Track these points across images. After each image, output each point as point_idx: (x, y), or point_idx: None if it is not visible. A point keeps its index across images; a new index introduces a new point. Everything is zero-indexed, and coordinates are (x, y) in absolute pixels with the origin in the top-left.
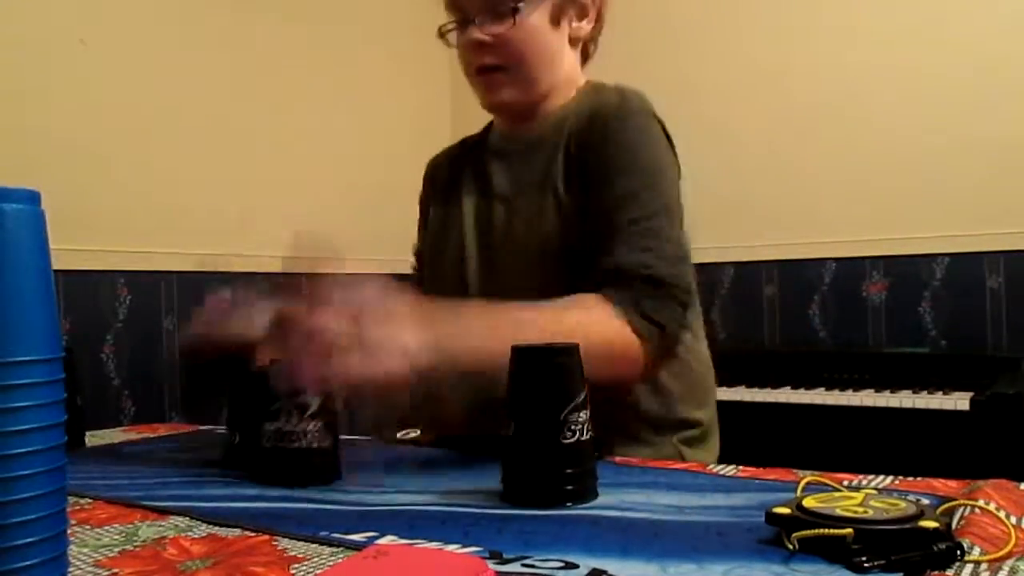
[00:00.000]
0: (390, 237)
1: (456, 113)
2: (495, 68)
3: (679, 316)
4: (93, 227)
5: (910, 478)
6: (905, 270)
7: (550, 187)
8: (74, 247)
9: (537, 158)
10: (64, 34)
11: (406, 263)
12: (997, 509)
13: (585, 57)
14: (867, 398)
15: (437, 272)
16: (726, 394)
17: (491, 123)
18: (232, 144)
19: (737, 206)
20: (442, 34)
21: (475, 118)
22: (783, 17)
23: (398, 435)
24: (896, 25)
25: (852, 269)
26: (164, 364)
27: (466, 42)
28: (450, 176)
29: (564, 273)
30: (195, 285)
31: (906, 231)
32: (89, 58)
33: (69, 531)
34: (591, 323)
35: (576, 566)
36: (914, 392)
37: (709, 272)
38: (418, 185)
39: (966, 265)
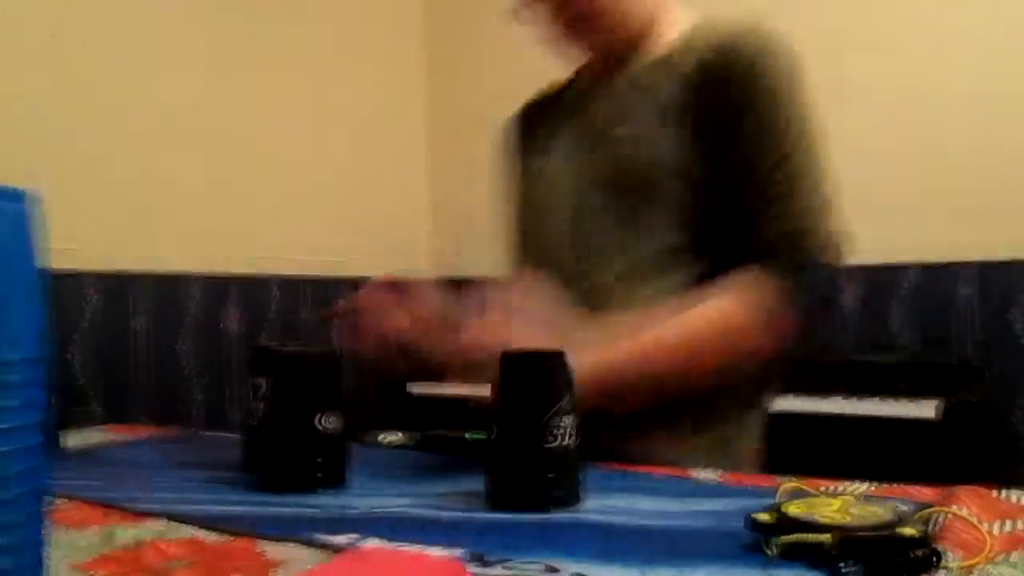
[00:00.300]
0: (374, 239)
1: (431, 115)
2: (580, 18)
3: (824, 275)
4: (60, 226)
5: (887, 484)
6: (876, 278)
7: (669, 121)
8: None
9: (648, 94)
10: (36, 29)
11: (397, 266)
12: (970, 515)
13: None
14: (834, 405)
15: (545, 220)
16: None
17: (577, 70)
18: (207, 146)
19: None
20: (514, 12)
21: (452, 122)
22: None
23: (380, 438)
24: (874, 35)
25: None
26: (132, 366)
27: (546, 1)
28: (544, 123)
29: (670, 206)
30: (166, 286)
31: (875, 240)
32: (61, 56)
33: (46, 534)
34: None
35: (557, 570)
36: (882, 399)
37: None
38: (397, 189)
39: (936, 274)
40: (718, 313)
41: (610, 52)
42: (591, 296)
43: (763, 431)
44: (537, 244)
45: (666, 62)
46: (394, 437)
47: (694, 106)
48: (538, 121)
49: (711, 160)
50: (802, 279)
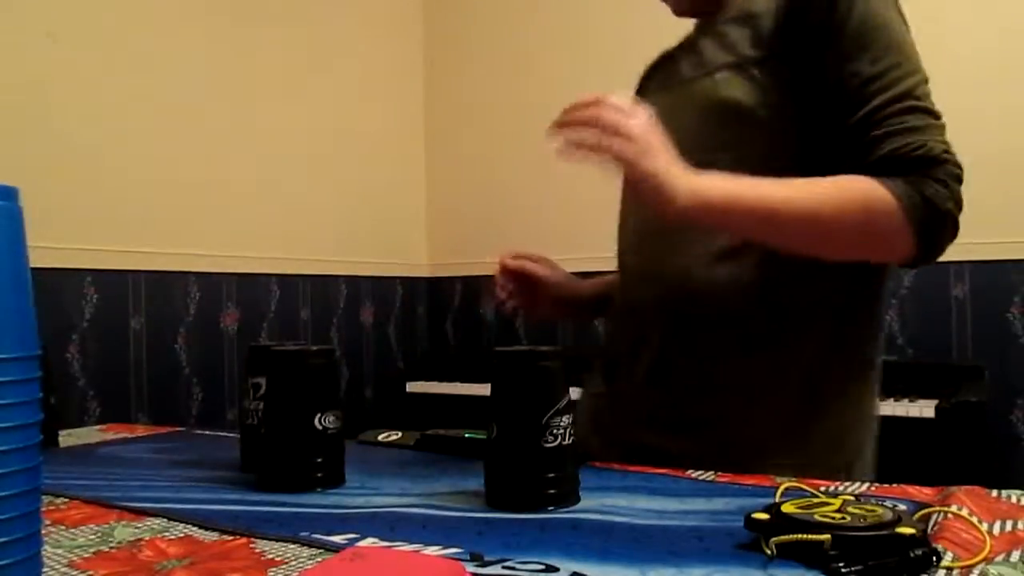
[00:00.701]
0: (371, 238)
1: (429, 113)
2: None
3: (957, 192)
4: (60, 225)
5: (886, 484)
6: None
7: (731, 62)
8: (40, 244)
9: (732, 36)
10: (34, 28)
11: (393, 265)
12: (970, 515)
13: None
14: None
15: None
16: None
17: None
18: (206, 145)
19: None
20: None
21: (448, 116)
22: None
23: (379, 437)
24: None
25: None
26: (131, 365)
27: None
28: (652, 77)
29: (761, 142)
30: (164, 285)
31: None
32: (61, 55)
33: (43, 531)
34: (854, 187)
35: (556, 569)
36: (880, 399)
37: None
38: (396, 188)
39: (935, 274)
40: (858, 182)
41: (701, 10)
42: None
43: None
44: None
45: (745, 18)
46: (393, 436)
47: (779, 48)
48: (650, 74)
49: (806, 94)
50: (920, 190)
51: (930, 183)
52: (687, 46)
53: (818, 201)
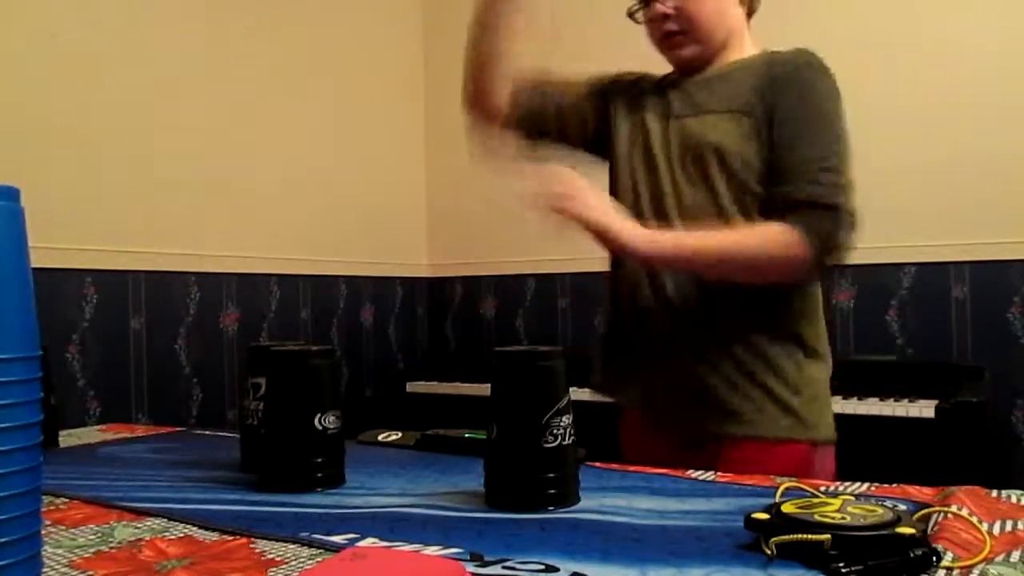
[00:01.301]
0: (372, 238)
1: (429, 113)
2: (677, 33)
3: (845, 233)
4: (60, 225)
5: (886, 484)
6: (874, 278)
7: (737, 111)
8: (40, 245)
9: (717, 89)
10: (37, 29)
11: (393, 265)
12: (970, 515)
13: (750, 11)
14: (834, 405)
15: (625, 177)
16: None
17: (667, 75)
18: (207, 145)
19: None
20: (631, 14)
21: (448, 116)
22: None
23: (379, 437)
24: (872, 43)
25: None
26: (131, 365)
27: (652, 15)
28: (632, 96)
29: (732, 176)
30: (164, 285)
31: (873, 241)
32: (62, 56)
33: (44, 531)
34: (766, 230)
35: (556, 569)
36: (881, 399)
37: None
38: (396, 188)
39: (935, 274)
40: (759, 226)
41: (695, 61)
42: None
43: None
44: (622, 187)
45: (732, 74)
46: (393, 436)
47: (757, 105)
48: (626, 91)
49: (766, 141)
50: (824, 230)
51: (821, 221)
52: (674, 85)
53: (739, 248)
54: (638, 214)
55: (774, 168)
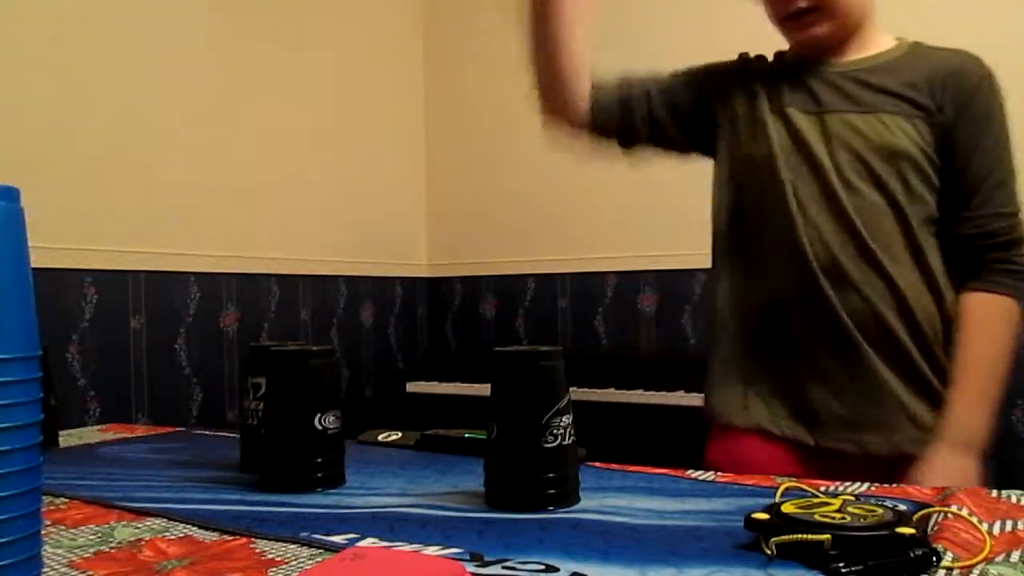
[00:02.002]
0: (371, 238)
1: (429, 113)
2: (809, 10)
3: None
4: (60, 225)
5: (886, 484)
6: None
7: (909, 113)
8: (40, 245)
9: (876, 84)
10: (34, 28)
11: (393, 265)
12: (970, 515)
13: None
14: None
15: (770, 174)
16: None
17: (782, 53)
18: (206, 145)
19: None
20: None
21: (448, 116)
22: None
23: (379, 437)
24: None
25: None
26: (131, 365)
27: None
28: (746, 86)
29: (906, 178)
30: (164, 285)
31: None
32: (62, 57)
33: (44, 531)
34: (989, 322)
35: (556, 569)
36: None
37: (675, 278)
38: (396, 188)
39: None
40: (978, 318)
41: (829, 42)
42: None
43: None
44: (753, 187)
45: (889, 67)
46: (393, 436)
47: (932, 109)
48: (733, 82)
49: (946, 155)
50: (1015, 272)
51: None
52: (808, 72)
53: (995, 357)
54: (801, 213)
55: (956, 187)
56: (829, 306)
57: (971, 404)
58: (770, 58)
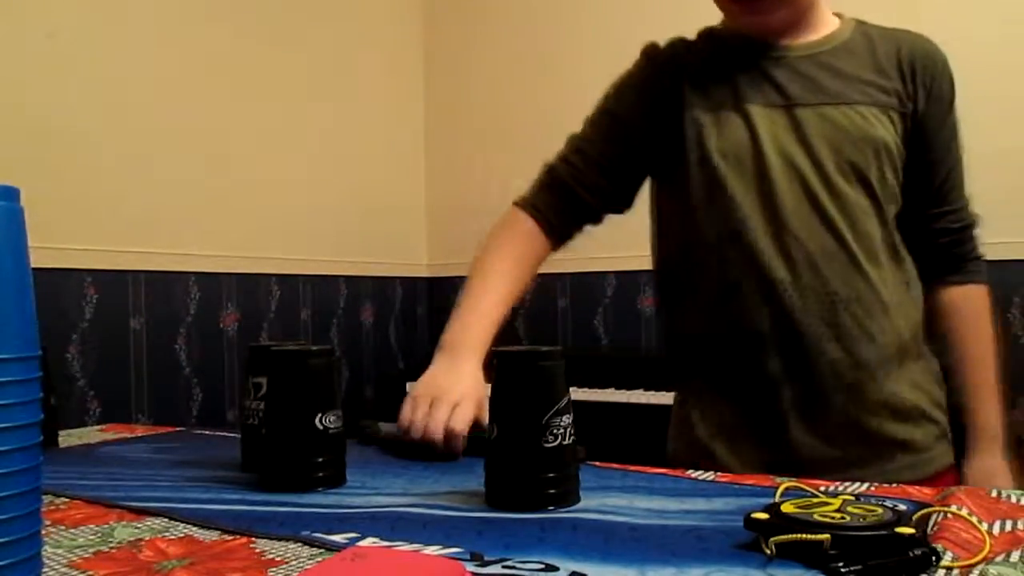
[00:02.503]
0: (371, 238)
1: (429, 113)
2: None
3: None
4: (60, 225)
5: (886, 484)
6: None
7: (883, 103)
8: (40, 245)
9: (841, 71)
10: (33, 28)
11: (393, 265)
12: (970, 515)
13: None
14: None
15: (744, 181)
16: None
17: (713, 32)
18: (206, 144)
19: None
20: None
21: (448, 116)
22: None
23: (381, 428)
24: None
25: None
26: (131, 365)
27: None
28: (709, 77)
29: (884, 175)
30: (164, 285)
31: None
32: (60, 55)
33: (43, 531)
34: (978, 323)
35: (556, 569)
36: None
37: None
38: (394, 185)
39: None
40: (969, 319)
41: (781, 27)
42: (801, 259)
43: None
44: (717, 186)
45: (848, 49)
46: (394, 429)
47: (902, 94)
48: (704, 74)
49: (916, 146)
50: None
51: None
52: (766, 60)
53: (992, 359)
54: (773, 225)
55: (928, 180)
56: (810, 336)
57: (990, 403)
58: (692, 39)
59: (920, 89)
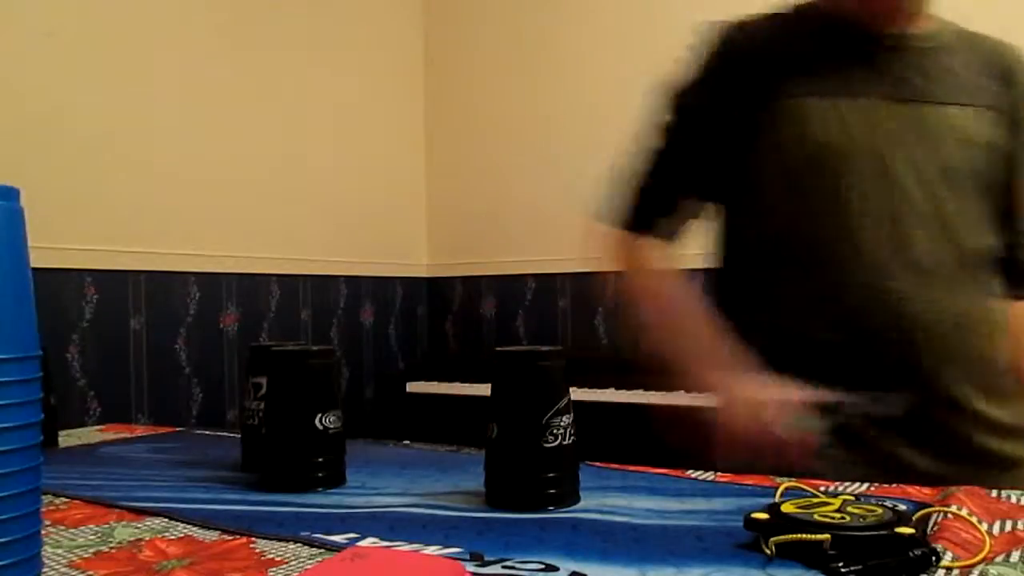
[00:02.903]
0: (371, 238)
1: (429, 113)
2: None
3: None
4: (60, 225)
5: (885, 484)
6: None
7: (983, 106)
8: (40, 245)
9: (944, 70)
10: (33, 28)
11: (393, 265)
12: (970, 515)
13: None
14: None
15: (821, 187)
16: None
17: (805, 11)
18: (206, 145)
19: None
20: None
21: (448, 116)
22: None
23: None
24: None
25: None
26: (131, 365)
27: None
28: (813, 62)
29: (987, 184)
30: (164, 285)
31: None
32: (59, 55)
33: (43, 531)
34: None
35: (556, 569)
36: None
37: None
38: (394, 185)
39: None
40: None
41: (900, 14)
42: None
43: None
44: (812, 182)
45: (949, 48)
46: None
47: (1003, 106)
48: (790, 54)
49: (1008, 160)
50: None
51: None
52: (894, 48)
53: None
54: (873, 230)
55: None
56: (914, 349)
57: None
58: (768, 19)
59: (1020, 102)
